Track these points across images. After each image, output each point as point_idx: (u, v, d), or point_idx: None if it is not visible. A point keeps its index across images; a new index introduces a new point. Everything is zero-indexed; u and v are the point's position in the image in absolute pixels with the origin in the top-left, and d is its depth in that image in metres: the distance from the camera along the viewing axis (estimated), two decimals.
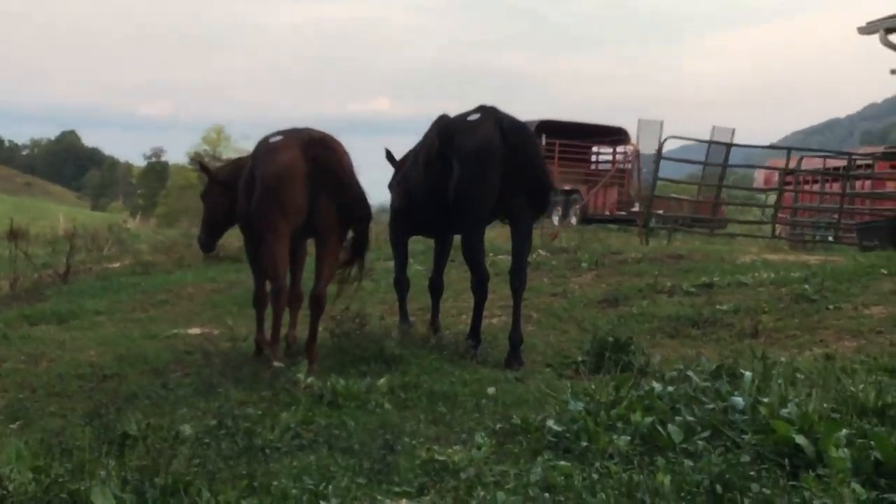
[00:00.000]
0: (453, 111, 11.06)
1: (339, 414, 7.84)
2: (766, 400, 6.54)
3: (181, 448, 6.63)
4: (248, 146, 71.39)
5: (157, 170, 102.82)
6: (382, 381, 8.68)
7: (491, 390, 8.52)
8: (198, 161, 11.68)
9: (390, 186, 11.95)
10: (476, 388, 8.69)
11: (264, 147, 10.00)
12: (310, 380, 8.82)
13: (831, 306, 11.49)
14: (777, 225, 26.10)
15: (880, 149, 29.91)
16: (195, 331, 13.24)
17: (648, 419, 6.60)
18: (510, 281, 10.32)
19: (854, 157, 26.27)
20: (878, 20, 21.60)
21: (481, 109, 10.45)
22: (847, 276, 12.91)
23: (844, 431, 5.86)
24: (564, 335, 11.64)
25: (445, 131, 10.41)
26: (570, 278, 14.81)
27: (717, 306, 11.93)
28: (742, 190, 32.05)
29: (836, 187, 26.10)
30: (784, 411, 6.25)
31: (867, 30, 21.80)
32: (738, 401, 6.59)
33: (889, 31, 21.32)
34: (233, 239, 23.75)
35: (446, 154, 10.25)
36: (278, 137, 10.00)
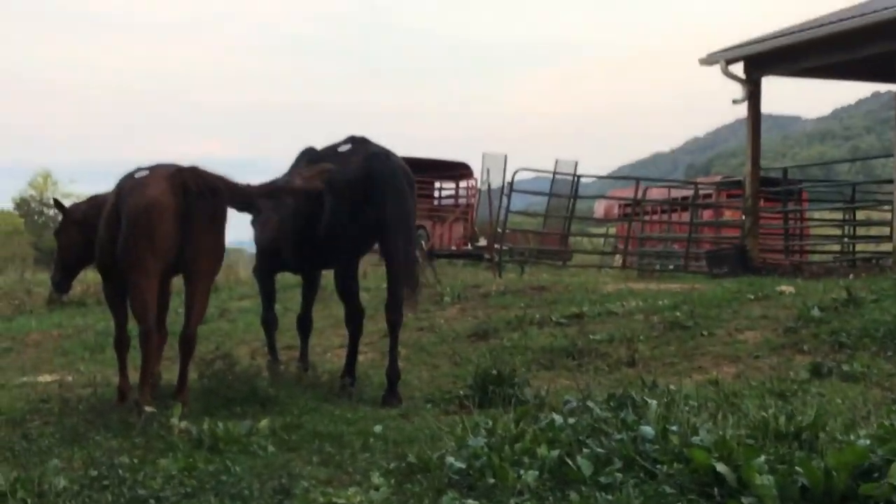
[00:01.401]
0: (284, 150, 10.81)
1: (222, 459, 7.44)
2: (674, 428, 6.38)
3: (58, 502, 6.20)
4: (76, 190, 69.43)
5: None
6: (264, 422, 8.29)
7: (378, 428, 8.21)
8: (54, 199, 11.08)
9: (253, 223, 11.55)
10: (361, 426, 8.38)
11: (130, 183, 9.52)
12: (183, 424, 8.41)
13: (705, 332, 11.51)
14: (621, 255, 26.40)
15: (717, 178, 30.47)
16: (46, 378, 12.62)
17: (555, 452, 6.38)
18: (386, 315, 10.04)
19: (700, 186, 26.62)
20: (720, 51, 21.96)
21: (351, 140, 10.18)
22: (716, 301, 12.97)
23: (763, 457, 5.70)
24: (437, 370, 11.42)
25: (315, 164, 10.09)
26: (435, 312, 14.57)
27: (591, 336, 11.84)
28: (588, 221, 32.25)
29: (683, 217, 26.45)
30: (696, 439, 6.10)
31: (708, 61, 22.10)
32: (648, 430, 6.40)
33: (730, 61, 21.69)
34: (75, 283, 23.13)
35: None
36: (144, 172, 9.56)
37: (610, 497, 5.69)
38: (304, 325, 11.26)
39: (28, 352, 15.17)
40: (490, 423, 7.11)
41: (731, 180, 28.39)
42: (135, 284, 9.34)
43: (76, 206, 10.76)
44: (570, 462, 6.21)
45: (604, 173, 26.71)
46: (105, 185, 10.12)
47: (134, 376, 10.18)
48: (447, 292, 15.77)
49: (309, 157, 10.43)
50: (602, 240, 32.06)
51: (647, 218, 27.14)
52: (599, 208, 33.77)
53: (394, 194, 9.71)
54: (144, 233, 9.13)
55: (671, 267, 24.62)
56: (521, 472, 6.19)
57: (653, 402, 6.94)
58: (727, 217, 25.81)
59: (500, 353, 11.68)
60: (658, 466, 5.98)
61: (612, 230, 31.24)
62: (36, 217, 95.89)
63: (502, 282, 17.90)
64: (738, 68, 21.87)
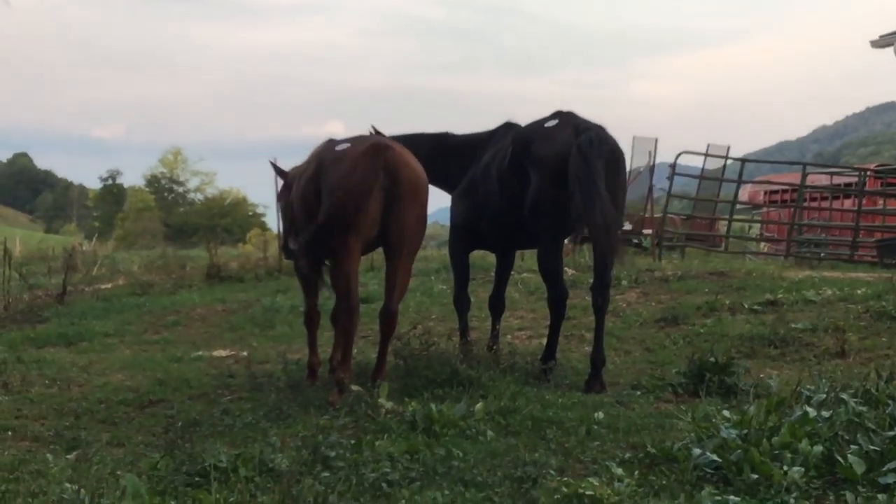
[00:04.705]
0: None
1: (441, 443, 7.10)
2: None
3: (304, 484, 5.91)
4: (204, 168, 71.01)
5: (113, 192, 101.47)
6: (479, 405, 7.96)
7: (599, 415, 7.81)
8: (271, 163, 10.80)
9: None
10: (580, 412, 8.01)
11: (331, 156, 9.19)
12: (390, 404, 8.11)
13: None
14: (767, 242, 25.79)
15: (870, 166, 29.49)
16: (221, 353, 12.50)
17: (818, 448, 5.94)
18: (592, 297, 9.60)
19: (866, 173, 25.69)
20: (892, 33, 21.22)
21: (558, 115, 9.78)
22: None
23: None
24: (629, 356, 10.98)
25: (520, 139, 9.70)
26: (615, 296, 14.07)
27: (792, 325, 11.27)
28: (743, 207, 31.35)
29: (844, 204, 25.64)
30: None
31: (880, 43, 21.42)
32: None
33: None
34: (229, 259, 23.18)
35: (522, 163, 9.55)
36: (345, 145, 9.24)
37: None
38: (497, 305, 10.90)
39: (195, 326, 15.09)
40: (735, 414, 6.71)
41: (891, 167, 27.47)
42: (338, 261, 9.05)
43: (295, 170, 10.38)
44: (840, 459, 5.77)
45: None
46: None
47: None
48: (623, 276, 15.33)
49: (515, 132, 10.03)
50: (747, 226, 31.32)
51: (805, 204, 26.27)
52: (744, 194, 32.97)
53: (603, 170, 9.28)
54: (347, 209, 8.82)
55: (822, 255, 23.87)
56: (784, 467, 5.76)
57: None
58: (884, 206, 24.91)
59: (693, 339, 11.27)
60: None
61: (758, 216, 30.52)
62: (166, 194, 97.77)
63: (675, 266, 17.40)
64: None
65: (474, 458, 6.73)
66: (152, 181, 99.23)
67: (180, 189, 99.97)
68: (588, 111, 10.15)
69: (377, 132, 10.46)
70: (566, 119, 9.67)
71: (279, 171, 10.61)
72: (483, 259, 15.51)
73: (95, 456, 7.31)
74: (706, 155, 26.41)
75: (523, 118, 10.38)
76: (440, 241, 26.81)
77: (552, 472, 6.32)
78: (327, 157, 9.23)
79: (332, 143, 9.58)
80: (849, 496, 5.39)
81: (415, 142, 10.49)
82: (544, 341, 10.54)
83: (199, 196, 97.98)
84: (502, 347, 10.59)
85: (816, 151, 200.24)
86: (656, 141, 29.19)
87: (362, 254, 9.60)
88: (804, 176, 24.82)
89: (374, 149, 8.99)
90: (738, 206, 27.98)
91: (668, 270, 16.29)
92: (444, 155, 10.76)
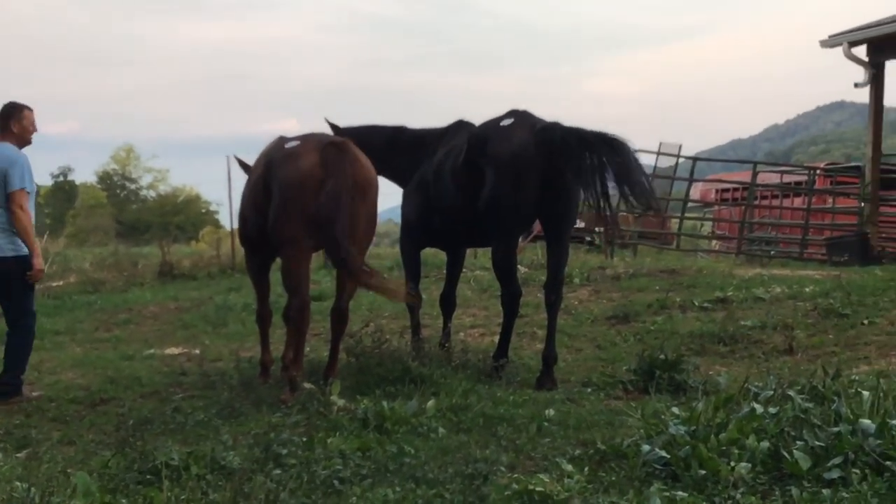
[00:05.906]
0: None
1: (393, 440, 7.13)
2: (894, 422, 5.98)
3: (256, 481, 5.91)
4: (157, 165, 70.15)
5: (64, 189, 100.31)
6: (431, 403, 8.00)
7: (550, 412, 7.87)
8: (235, 157, 10.81)
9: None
10: (531, 409, 8.06)
11: (280, 154, 9.20)
12: (342, 402, 8.14)
13: (866, 321, 11.03)
14: (718, 240, 25.96)
15: (820, 165, 29.79)
16: (173, 351, 12.50)
17: (764, 444, 6.01)
18: (545, 295, 9.69)
19: (815, 171, 25.99)
20: (842, 33, 21.35)
21: (513, 113, 9.80)
22: (870, 289, 12.47)
23: None
24: (580, 353, 11.10)
25: (476, 138, 9.72)
26: (567, 294, 14.17)
27: (741, 322, 11.41)
28: (694, 205, 31.59)
29: (794, 202, 25.90)
30: None
31: (829, 43, 21.51)
32: (868, 423, 6.00)
33: (852, 44, 21.06)
34: (181, 256, 23.10)
35: (477, 162, 9.57)
36: (294, 143, 9.25)
37: (845, 494, 5.31)
38: (448, 303, 10.93)
39: (147, 324, 15.07)
40: (684, 410, 6.79)
41: (840, 166, 27.72)
42: (288, 257, 9.06)
43: None
44: (786, 455, 5.85)
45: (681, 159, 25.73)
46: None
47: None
48: (575, 273, 15.44)
49: (470, 130, 10.05)
50: (698, 224, 31.52)
51: (755, 203, 26.50)
52: (695, 192, 33.19)
53: (555, 169, 9.33)
54: (299, 205, 8.83)
55: (772, 253, 24.11)
56: (732, 463, 5.83)
57: (866, 394, 6.53)
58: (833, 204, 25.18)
59: (644, 337, 11.38)
60: (888, 463, 5.60)
61: (710, 214, 30.71)
62: (118, 191, 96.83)
63: (627, 264, 17.52)
64: (860, 51, 21.24)
65: (426, 455, 6.74)
66: (104, 178, 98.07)
67: (133, 186, 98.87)
68: (541, 108, 10.18)
69: (332, 125, 10.51)
70: (521, 118, 9.70)
71: (244, 166, 10.62)
72: (435, 256, 15.52)
73: (46, 454, 7.28)
74: (658, 153, 26.53)
75: (477, 115, 10.43)
76: (392, 238, 26.84)
77: (503, 468, 6.35)
78: (276, 154, 9.25)
79: (282, 140, 9.59)
80: (794, 491, 5.45)
81: (370, 133, 10.55)
82: (496, 339, 10.60)
83: (152, 193, 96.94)
84: (454, 345, 10.63)
85: (768, 150, 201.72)
86: None
87: (313, 251, 9.64)
88: (755, 174, 25.06)
89: (321, 145, 9.03)
90: (689, 205, 28.16)
91: (619, 268, 16.41)
92: (397, 148, 10.78)
